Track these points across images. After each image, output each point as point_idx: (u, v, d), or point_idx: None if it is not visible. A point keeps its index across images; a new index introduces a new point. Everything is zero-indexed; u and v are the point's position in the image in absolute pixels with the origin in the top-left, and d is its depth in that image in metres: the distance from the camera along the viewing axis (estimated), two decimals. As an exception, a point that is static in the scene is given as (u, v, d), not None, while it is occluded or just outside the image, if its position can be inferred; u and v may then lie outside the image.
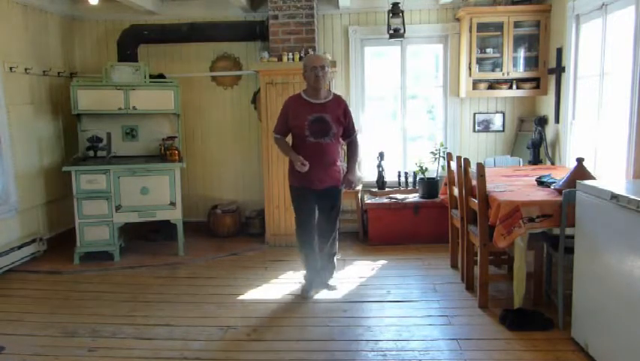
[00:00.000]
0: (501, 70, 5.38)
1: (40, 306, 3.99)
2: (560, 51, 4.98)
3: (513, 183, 3.97)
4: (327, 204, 4.06)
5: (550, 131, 5.26)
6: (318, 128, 3.87)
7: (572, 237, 3.17)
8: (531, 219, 3.28)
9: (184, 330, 3.51)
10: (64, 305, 4.00)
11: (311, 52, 5.24)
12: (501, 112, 5.84)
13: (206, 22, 5.70)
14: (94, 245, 5.03)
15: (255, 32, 5.62)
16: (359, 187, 5.61)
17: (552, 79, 5.21)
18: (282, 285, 4.34)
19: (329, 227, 4.13)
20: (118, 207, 5.02)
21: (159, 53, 5.96)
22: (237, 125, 6.04)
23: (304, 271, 4.25)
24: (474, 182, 3.71)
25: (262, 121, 5.37)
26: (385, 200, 5.49)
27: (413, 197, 5.53)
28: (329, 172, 3.97)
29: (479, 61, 5.46)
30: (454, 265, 4.60)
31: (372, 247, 5.34)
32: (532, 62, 5.40)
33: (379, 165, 5.71)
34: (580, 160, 3.43)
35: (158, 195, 5.11)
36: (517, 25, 5.31)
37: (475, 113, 5.85)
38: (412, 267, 4.69)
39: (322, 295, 4.07)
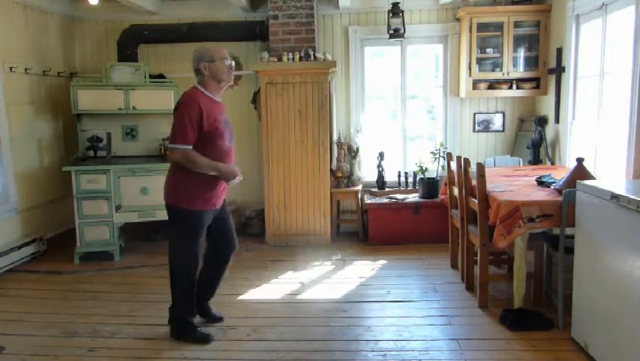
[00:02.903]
0: (501, 70, 5.38)
1: (40, 306, 3.99)
2: (559, 51, 4.98)
3: (513, 183, 3.97)
4: (225, 219, 3.50)
5: (550, 131, 5.26)
6: (230, 130, 3.32)
7: (572, 237, 3.17)
8: (531, 219, 3.28)
9: (184, 330, 3.51)
10: (64, 305, 4.00)
11: (310, 51, 5.23)
12: (501, 112, 5.84)
13: (206, 23, 5.70)
14: (94, 245, 5.03)
15: (255, 32, 5.62)
16: (359, 187, 5.62)
17: (552, 79, 5.21)
18: (282, 285, 4.34)
19: (233, 243, 3.57)
20: (118, 207, 5.01)
21: (159, 53, 5.96)
22: (237, 126, 5.90)
23: (189, 318, 3.38)
24: (474, 182, 3.71)
25: (262, 121, 5.36)
26: (385, 200, 5.49)
27: (413, 197, 5.53)
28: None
29: (479, 61, 5.46)
30: (454, 265, 4.60)
31: (372, 247, 5.34)
32: (532, 62, 5.40)
33: (379, 165, 5.70)
34: (580, 160, 3.43)
35: (158, 195, 5.05)
36: (517, 25, 5.31)
37: (475, 113, 5.85)
38: (412, 267, 4.69)
39: (322, 295, 4.07)
